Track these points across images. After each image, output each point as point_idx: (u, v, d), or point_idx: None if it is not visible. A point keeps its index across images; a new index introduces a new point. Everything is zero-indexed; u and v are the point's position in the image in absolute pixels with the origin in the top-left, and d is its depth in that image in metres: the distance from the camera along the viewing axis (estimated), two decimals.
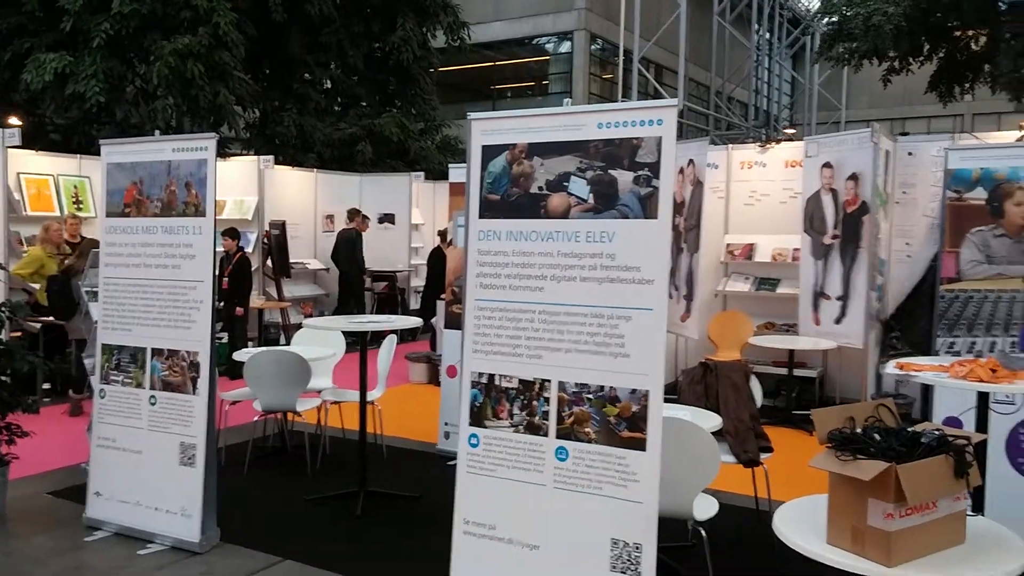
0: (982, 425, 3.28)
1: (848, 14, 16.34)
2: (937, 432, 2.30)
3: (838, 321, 7.04)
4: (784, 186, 7.85)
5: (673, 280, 7.79)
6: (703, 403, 4.46)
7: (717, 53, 26.02)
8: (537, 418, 3.11)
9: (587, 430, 3.01)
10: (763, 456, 4.24)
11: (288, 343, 7.93)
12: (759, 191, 8.04)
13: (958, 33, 17.46)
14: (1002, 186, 4.18)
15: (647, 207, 3.10)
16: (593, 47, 25.35)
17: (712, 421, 3.81)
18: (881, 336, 7.24)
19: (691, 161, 7.37)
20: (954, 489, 2.23)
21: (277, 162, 11.58)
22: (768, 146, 8.00)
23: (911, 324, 7.17)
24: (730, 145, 8.26)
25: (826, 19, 19.17)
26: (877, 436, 2.28)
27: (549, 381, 3.12)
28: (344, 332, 5.64)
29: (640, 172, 3.14)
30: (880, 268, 7.20)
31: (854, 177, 6.90)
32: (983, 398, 3.17)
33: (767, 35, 30.03)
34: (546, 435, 3.08)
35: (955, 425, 4.20)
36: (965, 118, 25.25)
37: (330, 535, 4.41)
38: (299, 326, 6.64)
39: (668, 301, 7.56)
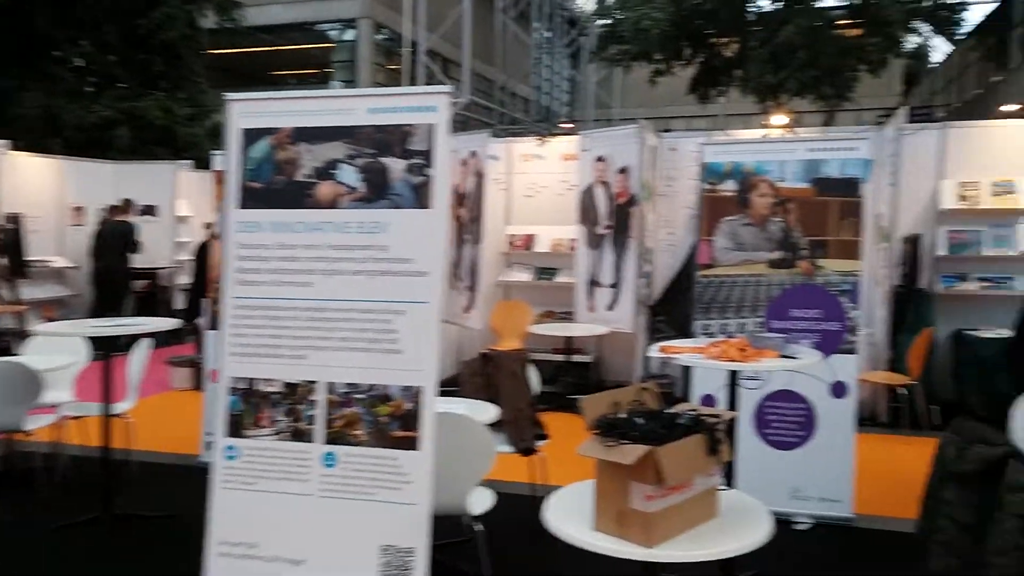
0: (733, 401, 3.51)
1: (620, 18, 17.27)
2: (692, 412, 2.39)
3: (610, 308, 7.37)
4: (561, 179, 8.09)
5: (456, 271, 7.79)
6: (483, 394, 4.45)
7: (500, 49, 26.57)
8: (303, 423, 2.91)
9: (357, 432, 2.86)
10: (539, 443, 4.30)
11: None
12: (538, 183, 8.23)
13: (714, 40, 19.00)
14: (749, 178, 4.51)
15: (421, 196, 2.98)
16: (378, 36, 24.97)
17: (489, 413, 3.79)
18: (649, 320, 7.68)
19: (474, 153, 7.39)
20: (708, 467, 2.32)
21: (16, 147, 10.28)
22: (546, 140, 8.21)
23: (674, 308, 7.65)
24: (510, 138, 8.39)
25: (600, 22, 20.15)
26: (640, 420, 2.33)
27: (316, 383, 2.93)
28: (91, 337, 5.05)
29: (413, 160, 3.02)
30: (647, 257, 7.63)
31: (624, 171, 7.24)
32: (734, 376, 3.39)
33: (547, 34, 31.13)
34: (312, 441, 2.88)
35: (710, 402, 4.50)
36: (720, 118, 27.65)
37: (69, 568, 3.92)
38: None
39: (451, 293, 7.51)
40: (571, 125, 8.63)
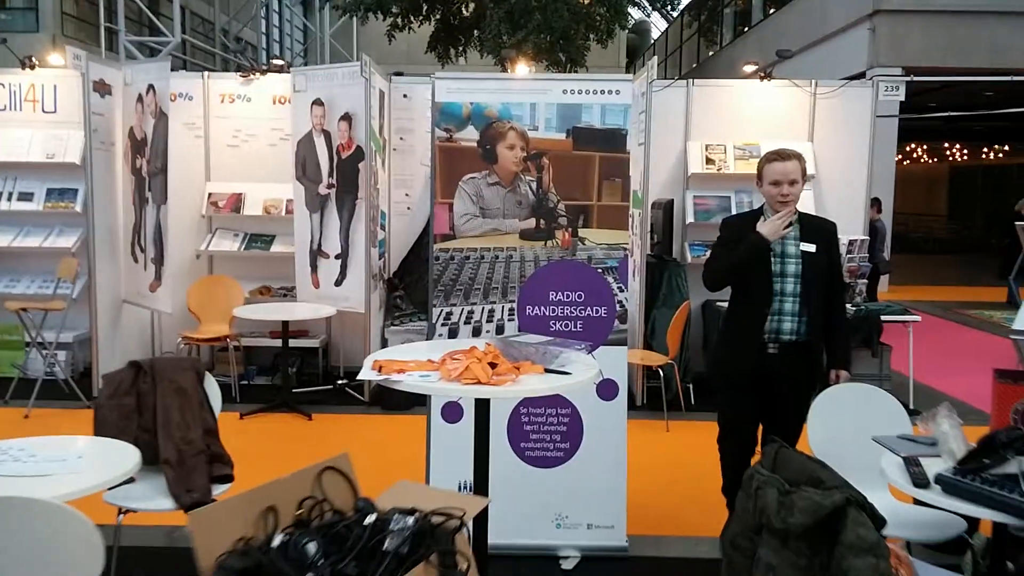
0: (484, 423, 2.54)
1: None
2: (409, 517, 1.34)
3: (338, 283, 6.18)
4: (274, 126, 6.69)
5: (137, 240, 6.15)
6: (133, 423, 3.12)
7: None
8: None
9: None
10: (218, 489, 3.07)
11: None
12: (244, 130, 6.75)
13: None
14: (493, 125, 3.53)
15: None
16: None
17: (123, 464, 2.48)
18: (385, 296, 6.61)
19: (151, 87, 5.78)
20: None
21: None
22: (251, 76, 6.73)
23: (415, 282, 6.65)
24: (207, 73, 6.79)
25: None
26: (310, 550, 1.23)
27: None
28: None
29: None
30: (381, 222, 6.52)
31: (347, 118, 6.03)
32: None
33: None
34: None
35: (455, 413, 3.53)
36: None
37: None
38: None
39: (133, 266, 5.89)
40: (282, 63, 7.15)
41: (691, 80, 6.89)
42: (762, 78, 6.68)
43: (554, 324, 3.52)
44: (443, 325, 3.52)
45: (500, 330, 3.49)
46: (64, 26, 19.80)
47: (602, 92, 3.55)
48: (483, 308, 3.52)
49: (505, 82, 3.79)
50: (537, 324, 3.50)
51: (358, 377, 2.39)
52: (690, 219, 6.66)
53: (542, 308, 3.53)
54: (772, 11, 18.08)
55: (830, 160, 6.66)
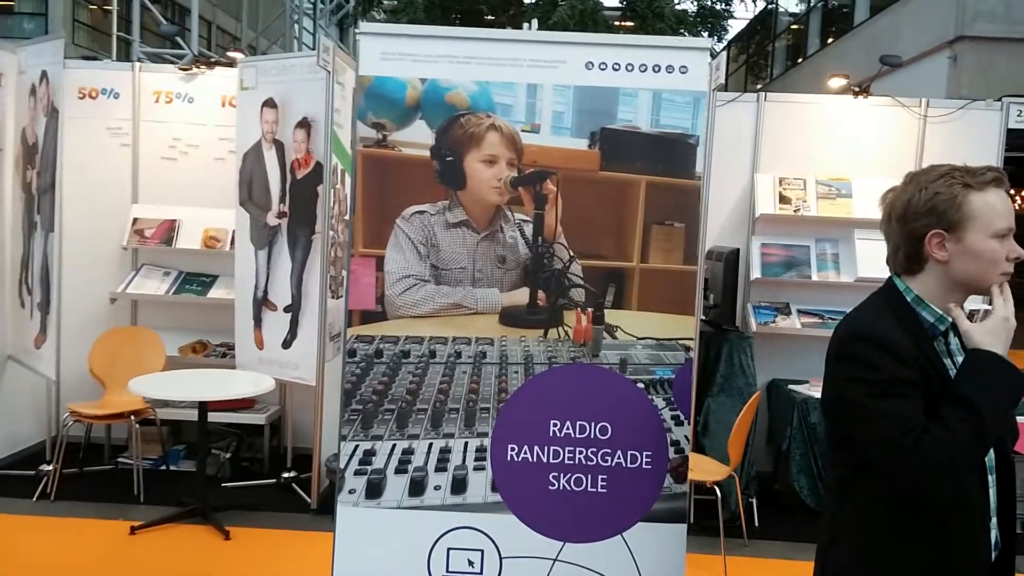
0: None
1: None
2: None
3: (287, 344, 4.65)
4: (223, 134, 5.20)
5: (24, 277, 4.70)
6: None
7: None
8: None
9: None
10: None
11: None
12: (185, 139, 5.29)
13: (488, 17, 17.12)
14: (460, 122, 2.01)
15: None
16: None
17: None
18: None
19: (44, 75, 4.35)
20: None
21: None
22: (196, 70, 5.26)
23: None
24: (138, 64, 5.36)
25: None
26: None
27: None
28: None
29: None
30: (343, 264, 4.99)
31: (305, 124, 4.54)
32: None
33: None
34: None
35: None
36: None
37: None
38: None
39: (19, 312, 4.41)
40: (236, 55, 5.66)
41: (763, 94, 5.31)
42: (856, 94, 5.08)
43: (556, 479, 1.95)
44: (357, 474, 1.96)
45: (460, 485, 1.93)
46: (76, 35, 18.83)
47: (656, 69, 2.01)
48: (431, 446, 1.96)
49: (484, 44, 2.20)
50: (527, 477, 1.93)
51: None
52: (756, 274, 5.04)
53: (536, 449, 1.96)
54: (830, 40, 16.58)
55: None
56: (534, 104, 2.05)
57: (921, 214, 1.52)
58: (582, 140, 2.02)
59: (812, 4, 18.76)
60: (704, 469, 4.06)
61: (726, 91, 5.84)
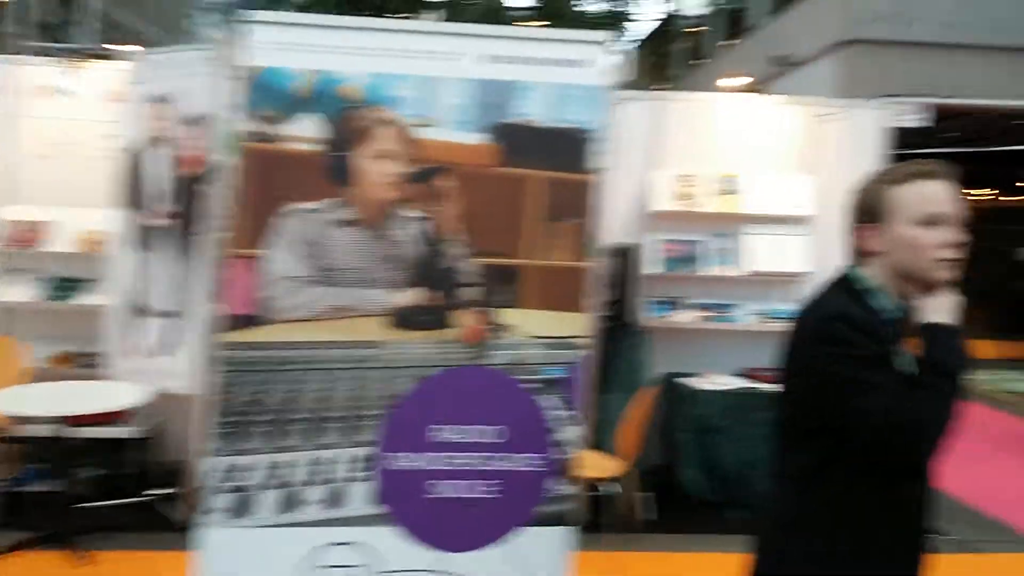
0: None
1: None
2: None
3: (166, 351, 4.41)
4: (107, 131, 4.87)
5: None
6: None
7: None
8: None
9: None
10: None
11: None
12: (65, 137, 4.95)
13: (388, 15, 16.95)
14: (352, 115, 1.92)
15: None
16: None
17: None
18: None
19: None
20: None
21: None
22: (79, 64, 4.94)
23: None
24: (16, 57, 4.99)
25: None
26: None
27: None
28: None
29: None
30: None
31: (197, 121, 4.32)
32: None
33: None
34: None
35: None
36: None
37: None
38: None
39: None
40: (129, 47, 5.45)
41: (660, 92, 5.39)
42: (750, 92, 5.23)
43: (442, 487, 1.89)
44: (227, 491, 1.85)
45: (340, 498, 1.85)
46: None
47: (555, 63, 1.97)
48: (309, 459, 1.86)
49: (378, 35, 2.11)
50: (412, 486, 1.86)
51: None
52: (654, 269, 5.12)
53: (423, 457, 1.89)
54: (730, 42, 17.12)
55: (836, 200, 5.20)
56: (430, 98, 1.98)
57: (857, 211, 1.67)
58: (479, 135, 1.97)
59: (713, 7, 19.36)
60: (600, 466, 4.09)
61: (630, 90, 5.90)
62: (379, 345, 1.85)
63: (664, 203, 5.08)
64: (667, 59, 22.33)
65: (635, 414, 4.07)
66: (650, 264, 5.10)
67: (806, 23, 12.12)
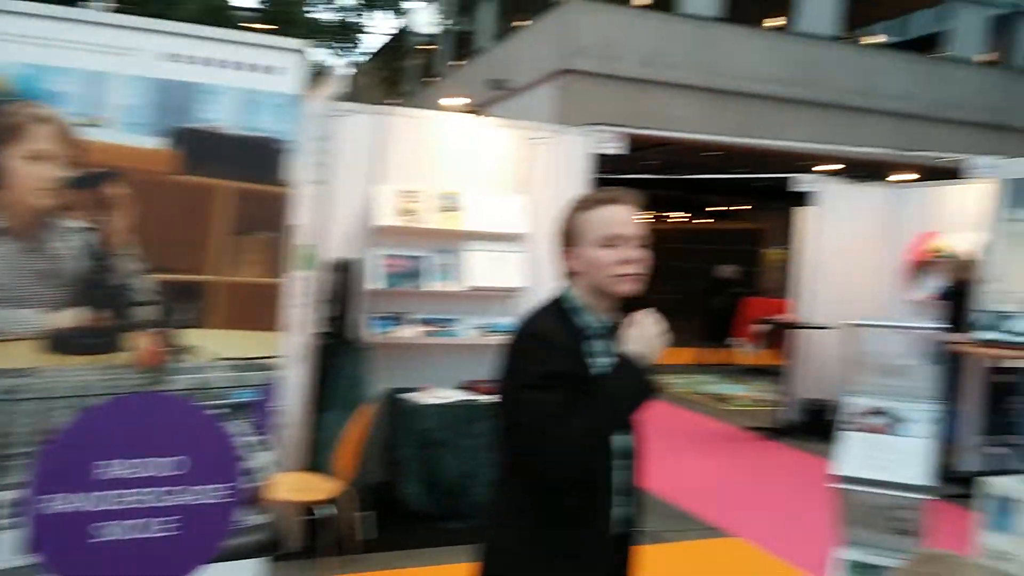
0: None
1: None
2: None
3: None
4: None
5: None
6: None
7: None
8: None
9: None
10: None
11: None
12: None
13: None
14: (2, 109, 1.67)
15: None
16: None
17: None
18: None
19: None
20: None
21: None
22: None
23: None
24: None
25: None
26: None
27: None
28: None
29: None
30: None
31: None
32: None
33: None
34: None
35: None
36: None
37: None
38: None
39: None
40: None
41: (386, 107, 5.38)
42: (471, 113, 5.39)
43: (111, 528, 1.69)
44: None
45: None
46: None
47: (247, 67, 1.86)
48: None
49: (39, 22, 1.86)
50: (74, 531, 1.65)
51: None
52: (378, 284, 5.08)
53: (87, 495, 1.68)
54: (458, 62, 17.64)
55: (546, 219, 5.52)
56: (99, 95, 1.78)
57: (560, 236, 1.82)
58: (156, 139, 1.80)
59: (443, 28, 19.83)
60: (315, 488, 3.96)
61: (355, 103, 5.82)
62: (31, 373, 1.60)
63: (387, 218, 5.07)
64: (399, 74, 22.53)
65: (353, 432, 3.99)
66: (373, 279, 5.07)
67: (527, 50, 12.85)
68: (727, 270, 13.62)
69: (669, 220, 24.50)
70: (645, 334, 1.71)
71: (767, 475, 6.37)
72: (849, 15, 14.06)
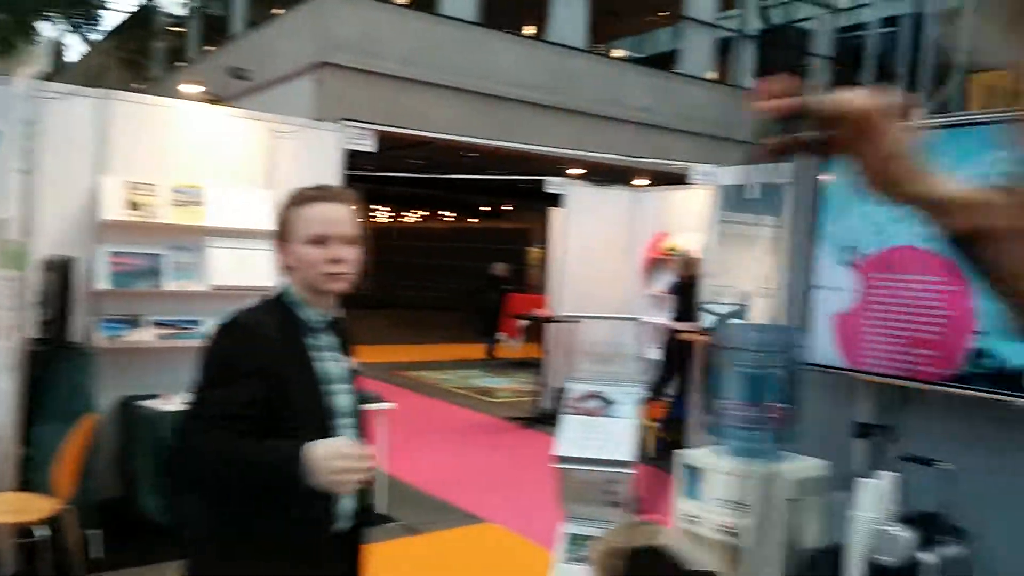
0: None
1: None
2: None
3: None
4: None
5: None
6: None
7: None
8: None
9: None
10: None
11: None
12: None
13: None
14: None
15: None
16: None
17: None
18: None
19: None
20: None
21: None
22: None
23: None
24: None
25: None
26: None
27: None
28: None
29: None
30: None
31: None
32: None
33: None
34: None
35: None
36: None
37: None
38: None
39: None
40: None
41: (111, 92, 4.96)
42: (211, 101, 5.12)
43: None
44: None
45: None
46: None
47: None
48: None
49: None
50: None
51: None
52: (104, 284, 4.67)
53: None
54: (210, 48, 16.66)
55: None
56: None
57: (275, 230, 1.79)
58: None
59: (192, 8, 18.62)
60: (29, 508, 3.58)
61: (99, 87, 5.27)
62: None
63: (114, 212, 4.68)
64: (145, 57, 20.83)
65: (74, 445, 3.64)
66: (100, 279, 4.65)
67: (283, 40, 12.39)
68: (501, 268, 14.13)
69: (444, 220, 24.83)
70: (331, 452, 1.53)
71: (521, 461, 6.65)
72: (596, 28, 15.03)
